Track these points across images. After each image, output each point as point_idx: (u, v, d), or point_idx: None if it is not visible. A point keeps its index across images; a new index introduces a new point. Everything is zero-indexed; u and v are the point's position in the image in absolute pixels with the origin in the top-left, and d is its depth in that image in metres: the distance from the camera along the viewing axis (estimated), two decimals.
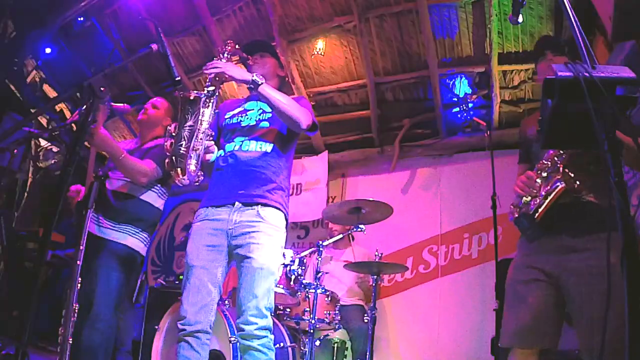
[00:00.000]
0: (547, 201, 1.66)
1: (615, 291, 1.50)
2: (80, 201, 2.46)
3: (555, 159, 1.71)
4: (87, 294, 2.35)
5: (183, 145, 1.79)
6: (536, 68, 2.07)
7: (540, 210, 1.68)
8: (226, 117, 2.19)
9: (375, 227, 3.50)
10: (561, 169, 1.67)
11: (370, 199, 3.26)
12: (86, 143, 2.18)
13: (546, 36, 2.11)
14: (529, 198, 1.75)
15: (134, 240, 2.47)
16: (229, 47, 2.05)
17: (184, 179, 1.79)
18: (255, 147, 2.03)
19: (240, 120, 2.13)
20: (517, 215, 1.80)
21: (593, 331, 1.56)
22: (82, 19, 4.86)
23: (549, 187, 1.68)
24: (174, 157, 1.78)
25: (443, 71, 4.33)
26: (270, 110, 2.11)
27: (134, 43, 5.01)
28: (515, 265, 1.87)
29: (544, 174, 1.73)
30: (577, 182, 1.65)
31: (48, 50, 5.11)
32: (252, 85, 1.91)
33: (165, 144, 1.82)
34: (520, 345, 1.71)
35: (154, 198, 2.59)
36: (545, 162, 1.75)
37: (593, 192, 1.72)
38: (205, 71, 1.91)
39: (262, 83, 1.92)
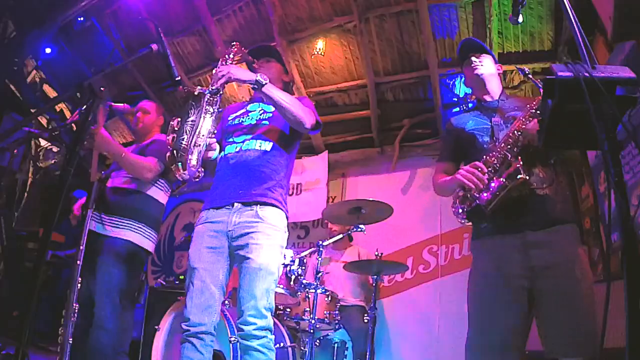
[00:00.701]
0: (503, 192, 1.63)
1: (573, 286, 1.55)
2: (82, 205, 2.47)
3: (507, 152, 1.68)
4: (89, 294, 2.35)
5: (184, 140, 1.78)
6: (463, 73, 2.02)
7: (494, 202, 1.63)
8: (229, 119, 2.21)
9: (375, 227, 3.49)
10: (520, 160, 1.63)
11: (370, 199, 3.26)
12: (88, 145, 2.19)
13: (467, 40, 2.05)
14: (477, 191, 1.67)
15: (136, 235, 2.47)
16: (234, 49, 2.05)
17: (184, 174, 1.78)
18: (255, 146, 2.03)
19: (242, 121, 2.14)
20: (467, 209, 1.71)
21: (562, 331, 1.54)
22: (82, 19, 4.86)
23: (502, 179, 1.64)
24: (175, 151, 1.77)
25: (443, 71, 4.33)
26: (271, 110, 2.12)
27: (134, 43, 5.02)
28: (479, 272, 1.82)
29: (493, 168, 1.69)
30: (528, 176, 1.62)
31: (48, 50, 5.11)
32: (255, 85, 1.91)
33: (167, 138, 1.81)
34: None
35: (157, 192, 2.60)
36: (494, 154, 1.71)
37: (548, 185, 1.69)
38: (216, 84, 1.88)
39: (265, 83, 1.92)
